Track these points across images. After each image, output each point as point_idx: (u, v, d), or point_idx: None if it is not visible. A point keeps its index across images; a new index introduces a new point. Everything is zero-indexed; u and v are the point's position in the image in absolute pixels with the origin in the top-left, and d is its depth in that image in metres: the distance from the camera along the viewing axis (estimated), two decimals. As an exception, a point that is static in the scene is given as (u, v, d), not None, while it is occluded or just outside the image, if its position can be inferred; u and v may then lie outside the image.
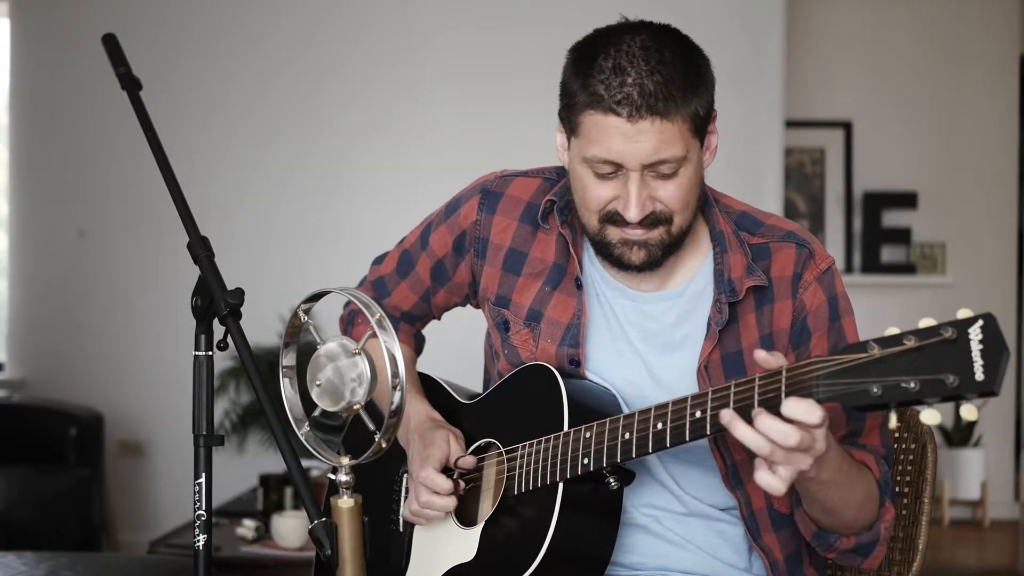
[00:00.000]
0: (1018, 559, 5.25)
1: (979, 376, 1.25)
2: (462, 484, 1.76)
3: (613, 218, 1.62)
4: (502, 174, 1.85)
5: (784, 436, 1.39)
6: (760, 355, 1.44)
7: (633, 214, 1.59)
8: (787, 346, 1.67)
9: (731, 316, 1.68)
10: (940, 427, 5.89)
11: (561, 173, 1.82)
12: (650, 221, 1.61)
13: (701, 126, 1.60)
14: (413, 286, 1.91)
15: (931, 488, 1.84)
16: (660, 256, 1.65)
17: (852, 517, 1.62)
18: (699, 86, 1.58)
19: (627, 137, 1.55)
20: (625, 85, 1.54)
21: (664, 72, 1.55)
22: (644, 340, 1.72)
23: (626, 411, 1.68)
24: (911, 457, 1.87)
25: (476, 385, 1.96)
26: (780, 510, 1.71)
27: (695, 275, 1.72)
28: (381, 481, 1.89)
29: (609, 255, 1.67)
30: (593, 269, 1.75)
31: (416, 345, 2.00)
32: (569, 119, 1.62)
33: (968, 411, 1.27)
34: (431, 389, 1.92)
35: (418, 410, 1.83)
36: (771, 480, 1.43)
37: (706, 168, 1.68)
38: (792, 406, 1.38)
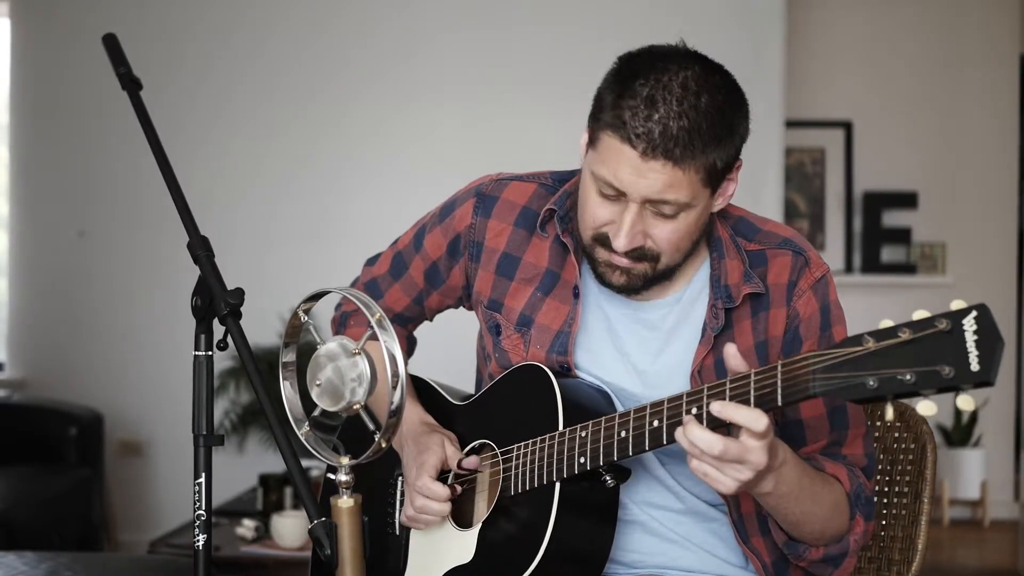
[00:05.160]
0: (1018, 559, 5.25)
1: (975, 366, 1.25)
2: (458, 488, 1.76)
3: (603, 241, 1.63)
4: (497, 177, 1.85)
5: (709, 446, 1.42)
6: (731, 352, 1.46)
7: (621, 244, 1.59)
8: (779, 354, 1.67)
9: (726, 322, 1.68)
10: (940, 427, 5.89)
11: (558, 179, 1.82)
12: (636, 255, 1.61)
13: (716, 177, 1.59)
14: (406, 288, 1.91)
15: (931, 488, 1.84)
16: (640, 285, 1.66)
17: (819, 530, 1.63)
18: (725, 139, 1.56)
19: (636, 171, 1.54)
20: (650, 120, 1.52)
21: (693, 118, 1.52)
22: (639, 346, 1.72)
23: (620, 409, 1.68)
24: (911, 457, 1.87)
25: (468, 386, 1.96)
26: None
27: (691, 281, 1.72)
28: (376, 484, 1.89)
29: (594, 269, 1.67)
30: (591, 278, 1.75)
31: (408, 347, 2.00)
32: (592, 130, 1.60)
33: (965, 402, 1.27)
34: (423, 391, 1.91)
35: (411, 414, 1.83)
36: (701, 468, 1.45)
37: (715, 211, 1.67)
38: (735, 411, 1.40)
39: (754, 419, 1.40)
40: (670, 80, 1.53)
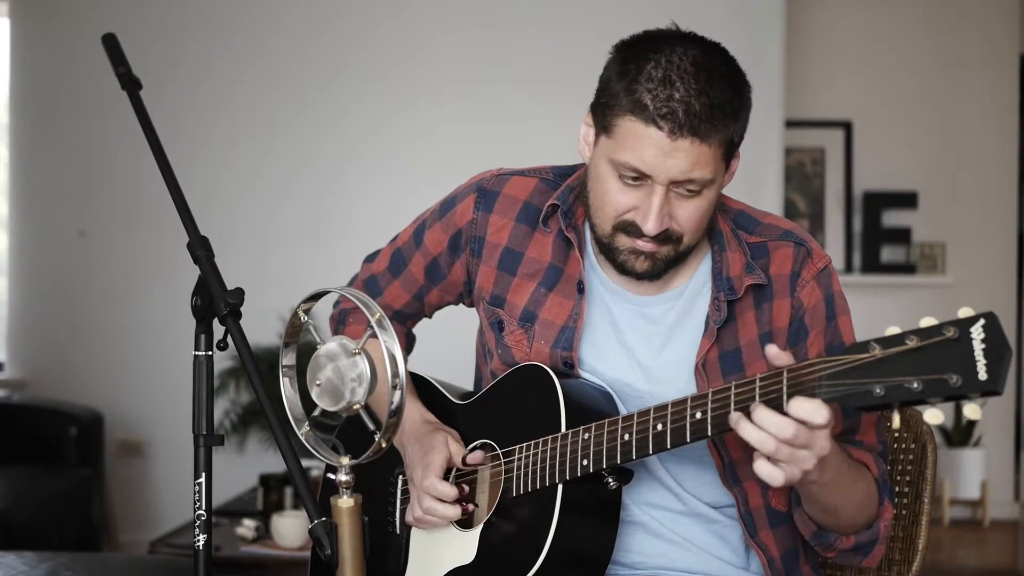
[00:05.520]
0: (1018, 559, 5.24)
1: (982, 375, 1.24)
2: (466, 488, 1.76)
3: (627, 228, 1.62)
4: (498, 172, 1.85)
5: (780, 428, 1.39)
6: (772, 351, 1.44)
7: (651, 226, 1.58)
8: (785, 345, 1.67)
9: (729, 314, 1.68)
10: (940, 427, 5.89)
11: (559, 174, 1.82)
12: (661, 238, 1.61)
13: (731, 152, 1.60)
14: (406, 284, 1.91)
15: (931, 488, 1.84)
16: (663, 269, 1.66)
17: (853, 517, 1.62)
18: (740, 113, 1.58)
19: (663, 152, 1.54)
20: (672, 100, 1.52)
21: (712, 95, 1.53)
22: (642, 341, 1.72)
23: (622, 410, 1.68)
24: (911, 457, 1.87)
25: (466, 383, 1.95)
26: (777, 508, 1.71)
27: (693, 275, 1.72)
28: (376, 483, 1.88)
29: (613, 260, 1.66)
30: (594, 273, 1.75)
31: (407, 344, 2.00)
32: (604, 117, 1.59)
33: (971, 411, 1.27)
34: (423, 389, 1.91)
35: (412, 412, 1.82)
36: (771, 471, 1.43)
37: (723, 188, 1.67)
38: (798, 405, 1.38)
39: (813, 411, 1.38)
40: (680, 59, 1.54)
